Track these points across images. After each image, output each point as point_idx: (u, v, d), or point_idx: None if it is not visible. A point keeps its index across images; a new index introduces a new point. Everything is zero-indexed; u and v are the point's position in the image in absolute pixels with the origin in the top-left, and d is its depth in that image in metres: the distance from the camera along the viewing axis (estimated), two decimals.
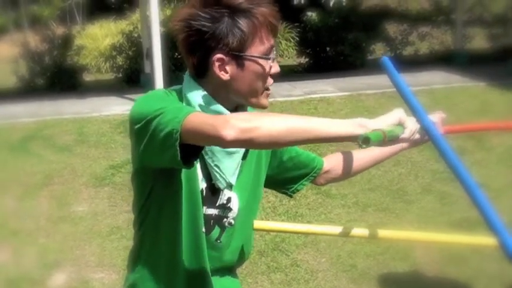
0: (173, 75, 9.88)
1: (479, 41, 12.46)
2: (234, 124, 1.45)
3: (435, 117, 1.80)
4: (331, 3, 10.66)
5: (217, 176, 1.75)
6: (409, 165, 6.04)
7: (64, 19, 14.41)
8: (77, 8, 15.23)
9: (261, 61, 1.67)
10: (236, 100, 1.71)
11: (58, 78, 10.57)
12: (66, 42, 11.14)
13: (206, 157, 1.72)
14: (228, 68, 1.67)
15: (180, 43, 1.70)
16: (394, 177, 5.89)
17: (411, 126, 1.59)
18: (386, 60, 1.72)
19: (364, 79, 9.55)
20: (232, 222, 1.82)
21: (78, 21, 14.92)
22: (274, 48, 1.70)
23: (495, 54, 11.41)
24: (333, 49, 11.44)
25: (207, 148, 1.71)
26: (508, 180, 5.63)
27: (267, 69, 1.68)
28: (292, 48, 12.21)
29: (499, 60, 10.62)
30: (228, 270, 1.92)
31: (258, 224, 1.84)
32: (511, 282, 3.70)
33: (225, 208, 1.80)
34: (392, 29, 12.61)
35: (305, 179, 2.03)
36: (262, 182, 1.93)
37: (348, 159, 2.06)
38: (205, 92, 1.70)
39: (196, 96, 1.71)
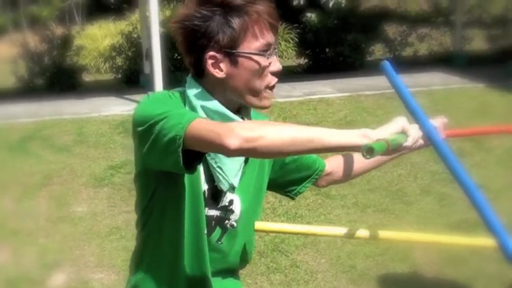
0: (173, 76, 9.88)
1: (478, 42, 12.47)
2: (238, 133, 1.44)
3: (437, 122, 1.80)
4: (331, 4, 10.65)
5: (220, 177, 1.74)
6: (408, 167, 6.04)
7: (63, 19, 14.41)
8: (76, 8, 15.23)
9: (255, 57, 1.65)
10: (235, 100, 1.71)
11: (57, 78, 10.57)
12: (66, 42, 11.14)
13: (209, 158, 1.71)
14: (222, 65, 1.67)
15: (179, 44, 1.72)
16: (394, 178, 5.89)
17: (414, 134, 1.59)
18: (386, 64, 1.72)
19: (364, 80, 9.56)
20: (234, 224, 1.82)
21: (77, 21, 14.93)
22: (273, 46, 1.69)
23: (494, 56, 11.42)
24: (332, 50, 11.44)
25: None
26: (507, 182, 5.64)
27: (263, 66, 1.67)
28: (292, 49, 12.22)
29: (498, 62, 10.63)
30: (230, 272, 1.92)
31: (258, 225, 1.84)
32: (509, 283, 3.70)
33: (227, 210, 1.80)
34: (391, 30, 12.62)
35: (307, 181, 2.03)
36: (265, 184, 1.93)
37: (349, 161, 2.06)
38: (206, 93, 1.70)
39: (198, 97, 1.71)
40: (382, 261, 4.47)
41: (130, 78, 10.98)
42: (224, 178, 1.75)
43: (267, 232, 1.93)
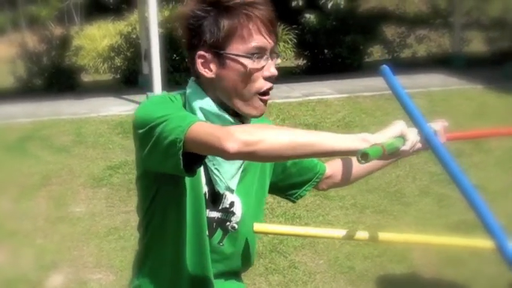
0: (171, 77, 9.90)
1: (476, 44, 12.50)
2: (238, 137, 1.45)
3: (437, 126, 1.79)
4: (329, 6, 10.65)
5: (217, 179, 1.75)
6: (407, 167, 6.05)
7: (62, 20, 14.42)
8: (75, 8, 15.24)
9: (241, 59, 1.64)
10: (226, 102, 1.70)
11: (56, 78, 10.58)
12: (64, 42, 11.15)
13: (206, 160, 1.72)
14: (211, 66, 1.67)
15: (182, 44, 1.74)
16: (392, 179, 5.90)
17: (412, 138, 1.59)
18: (385, 68, 1.72)
19: (362, 81, 9.57)
20: (236, 226, 1.82)
21: (76, 21, 14.94)
22: (267, 50, 1.67)
23: (492, 58, 11.45)
24: (330, 51, 11.46)
25: None
26: (506, 183, 5.65)
27: (250, 68, 1.65)
28: (290, 50, 12.24)
29: (496, 64, 10.65)
30: (233, 274, 1.91)
31: (257, 226, 1.84)
32: (508, 284, 3.71)
33: (228, 212, 1.81)
34: (390, 31, 12.65)
35: (308, 184, 2.03)
36: (267, 187, 1.93)
37: (349, 164, 2.06)
38: (203, 94, 1.71)
39: (196, 98, 1.72)
40: (380, 262, 4.47)
41: (129, 79, 10.99)
42: (221, 180, 1.75)
43: (267, 234, 1.94)
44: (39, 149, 7.01)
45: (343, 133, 1.53)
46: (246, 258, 1.91)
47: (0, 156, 6.82)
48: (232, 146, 1.44)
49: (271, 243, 4.70)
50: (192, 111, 1.70)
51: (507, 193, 5.35)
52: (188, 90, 1.74)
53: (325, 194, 5.47)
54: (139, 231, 1.86)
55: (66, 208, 5.56)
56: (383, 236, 1.92)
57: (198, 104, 1.71)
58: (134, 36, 11.31)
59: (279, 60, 1.73)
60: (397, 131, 1.56)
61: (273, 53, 1.69)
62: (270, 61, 1.68)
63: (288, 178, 2.00)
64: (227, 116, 1.69)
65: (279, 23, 1.76)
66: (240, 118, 1.72)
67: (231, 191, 1.79)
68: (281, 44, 12.58)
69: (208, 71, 1.68)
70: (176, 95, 1.75)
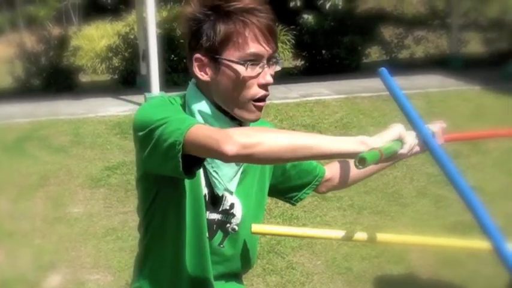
0: (169, 77, 9.90)
1: (474, 45, 12.51)
2: (236, 139, 1.45)
3: (435, 127, 1.79)
4: (327, 6, 10.66)
5: (216, 182, 1.76)
6: (404, 169, 6.06)
7: (60, 20, 14.41)
8: (73, 8, 15.23)
9: (234, 66, 1.65)
10: (222, 106, 1.71)
11: (54, 79, 10.58)
12: (62, 43, 11.15)
13: (205, 163, 1.72)
14: (207, 69, 1.68)
15: None
16: (390, 180, 5.90)
17: (410, 141, 1.60)
18: (384, 71, 1.72)
19: (360, 82, 9.58)
20: (236, 228, 1.83)
21: (74, 22, 14.93)
22: (265, 57, 1.67)
23: (490, 59, 11.46)
24: (328, 52, 11.47)
25: None
26: (503, 184, 5.66)
27: (243, 76, 1.65)
28: (288, 51, 12.24)
29: (493, 65, 10.66)
30: (233, 276, 1.92)
31: (255, 227, 1.84)
32: (504, 285, 3.71)
33: (228, 214, 1.81)
34: (388, 32, 12.66)
35: (308, 187, 2.04)
36: (266, 190, 1.94)
37: (348, 167, 2.07)
38: (201, 96, 1.72)
39: (194, 100, 1.73)
40: (378, 263, 4.48)
41: (127, 79, 10.99)
42: (220, 183, 1.76)
43: (264, 234, 1.93)
44: (37, 149, 7.01)
45: (341, 134, 1.54)
46: (247, 260, 1.91)
47: None
48: (230, 148, 1.45)
49: (268, 244, 4.70)
50: (192, 114, 1.71)
51: (504, 194, 5.35)
52: (188, 93, 1.75)
53: (322, 195, 5.44)
54: (139, 232, 1.87)
55: (64, 208, 5.56)
56: (380, 237, 1.93)
57: (197, 106, 1.71)
58: (132, 36, 11.31)
59: (278, 67, 1.72)
60: (396, 134, 1.57)
61: (271, 60, 1.69)
62: (266, 69, 1.67)
63: (288, 181, 2.01)
64: (225, 119, 1.70)
65: (276, 24, 1.76)
66: (238, 121, 1.72)
67: (230, 192, 1.79)
68: (279, 44, 12.55)
69: (204, 75, 1.69)
70: (175, 97, 1.76)
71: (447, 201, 5.28)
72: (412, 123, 1.68)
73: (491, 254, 1.54)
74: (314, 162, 2.02)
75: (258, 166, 1.86)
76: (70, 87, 10.63)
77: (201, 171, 1.74)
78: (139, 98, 8.95)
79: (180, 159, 1.52)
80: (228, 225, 1.82)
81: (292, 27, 11.73)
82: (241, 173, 1.80)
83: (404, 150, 1.59)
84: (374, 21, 12.10)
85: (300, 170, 2.00)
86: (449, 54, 12.06)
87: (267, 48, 1.66)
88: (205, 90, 1.72)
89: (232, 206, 1.82)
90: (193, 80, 1.75)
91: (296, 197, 2.06)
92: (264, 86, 1.69)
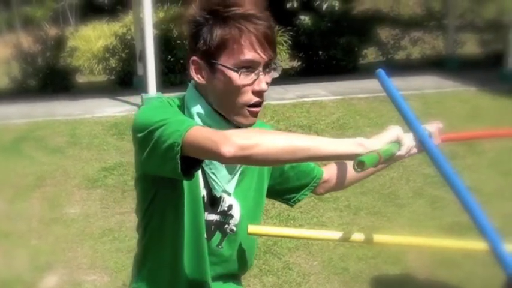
0: (166, 78, 9.90)
1: (470, 46, 12.54)
2: (234, 141, 1.46)
3: (432, 127, 1.80)
4: (324, 8, 10.68)
5: (214, 183, 1.77)
6: (400, 169, 6.07)
7: (57, 20, 14.40)
8: (69, 9, 15.22)
9: (227, 72, 1.65)
10: (217, 109, 1.71)
11: (50, 79, 10.57)
12: (59, 43, 11.14)
13: (203, 164, 1.73)
14: (203, 73, 1.69)
15: None
16: (386, 181, 5.91)
17: (408, 143, 1.60)
18: (381, 72, 1.72)
19: (356, 83, 9.59)
20: (234, 229, 1.83)
21: (71, 22, 14.92)
22: (259, 65, 1.66)
23: (486, 60, 11.49)
24: (325, 53, 11.48)
25: None
26: (499, 185, 5.67)
27: (236, 82, 1.65)
28: (285, 52, 12.25)
29: (490, 66, 10.70)
30: (231, 277, 1.93)
31: (252, 228, 1.84)
32: (500, 286, 3.73)
33: (227, 215, 1.82)
34: (384, 33, 12.68)
35: (306, 189, 2.04)
36: (265, 191, 1.94)
37: (345, 168, 2.07)
38: (199, 97, 1.73)
39: (192, 102, 1.74)
40: (374, 264, 4.48)
41: (124, 80, 10.99)
42: (218, 184, 1.77)
43: (261, 236, 1.93)
44: (34, 149, 7.00)
45: (337, 135, 1.55)
46: (245, 261, 1.92)
47: None
48: (228, 150, 1.45)
49: (265, 244, 4.71)
50: (191, 116, 1.71)
51: (500, 195, 5.36)
52: (187, 95, 1.76)
53: (319, 196, 5.47)
54: (138, 232, 1.87)
55: (60, 209, 5.55)
56: (377, 237, 1.93)
57: (195, 109, 1.72)
58: (129, 37, 11.31)
59: (276, 74, 1.72)
60: (393, 136, 1.57)
61: (268, 68, 1.68)
62: (262, 76, 1.67)
63: (286, 182, 2.01)
64: (223, 122, 1.70)
65: (273, 31, 1.75)
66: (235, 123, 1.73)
67: (228, 194, 1.80)
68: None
69: (201, 78, 1.70)
70: (174, 99, 1.76)
71: (444, 202, 5.29)
72: (408, 124, 1.69)
73: (487, 255, 1.55)
74: (312, 164, 2.03)
75: (256, 168, 1.86)
76: (67, 87, 10.63)
77: (200, 172, 1.74)
78: (136, 99, 8.95)
79: (179, 161, 1.53)
80: (226, 226, 1.83)
81: (289, 28, 11.74)
82: (240, 174, 1.81)
83: (402, 152, 1.59)
84: (370, 22, 12.12)
85: (298, 171, 2.00)
86: (445, 55, 12.09)
87: (263, 55, 1.66)
88: (203, 92, 1.72)
89: (230, 207, 1.82)
90: (192, 81, 1.76)
91: (294, 198, 2.07)
92: (258, 93, 1.68)
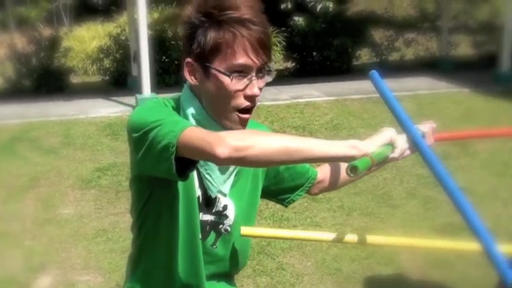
0: (160, 79, 9.90)
1: (464, 47, 12.58)
2: (228, 142, 1.47)
3: (425, 127, 1.82)
4: (318, 9, 10.70)
5: (209, 184, 1.78)
6: (394, 170, 6.08)
7: (51, 21, 14.38)
8: (64, 10, 15.19)
9: (219, 75, 1.65)
10: (208, 111, 1.72)
11: (45, 80, 10.56)
12: (53, 44, 11.13)
13: (198, 165, 1.74)
14: (197, 74, 1.70)
15: None
16: (379, 181, 5.92)
17: (401, 146, 1.62)
18: (374, 73, 1.73)
19: (350, 84, 9.62)
20: (229, 229, 1.84)
21: (65, 23, 14.90)
22: (252, 70, 1.66)
23: (480, 61, 11.53)
24: (319, 54, 11.50)
25: None
26: (491, 186, 5.69)
27: (227, 86, 1.65)
28: (279, 53, 12.26)
29: (483, 67, 10.73)
30: (225, 276, 1.94)
31: (245, 230, 1.84)
32: (493, 286, 3.74)
33: (221, 215, 1.83)
34: (378, 34, 12.70)
35: (300, 189, 2.05)
36: (259, 191, 1.95)
37: (339, 169, 2.08)
38: (193, 98, 1.73)
39: (187, 103, 1.74)
40: (367, 264, 4.49)
41: (118, 80, 10.98)
42: (213, 185, 1.78)
43: (255, 237, 1.93)
44: (28, 150, 6.99)
45: (331, 135, 1.56)
46: (238, 261, 1.93)
47: None
48: (222, 151, 1.46)
49: (259, 245, 4.71)
50: (185, 117, 1.72)
51: (493, 195, 5.39)
52: (182, 95, 1.77)
53: (313, 197, 5.48)
54: (132, 233, 1.88)
55: (54, 210, 5.55)
56: (370, 238, 1.94)
57: (190, 110, 1.73)
58: (123, 37, 11.30)
59: (270, 79, 1.72)
60: (387, 138, 1.58)
61: (261, 72, 1.69)
62: (254, 81, 1.67)
63: (281, 183, 2.01)
64: (217, 123, 1.71)
65: (268, 35, 1.76)
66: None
67: (224, 195, 1.81)
68: None
69: (194, 79, 1.71)
70: (169, 100, 1.77)
71: (436, 202, 5.30)
72: (402, 124, 1.69)
73: (480, 255, 1.56)
74: (307, 165, 2.03)
75: (251, 168, 1.87)
76: (61, 88, 10.62)
77: (195, 173, 1.75)
78: (130, 100, 8.95)
79: (174, 162, 1.53)
80: (221, 226, 1.84)
81: (283, 29, 11.75)
82: (235, 175, 1.82)
83: (395, 154, 1.61)
84: (364, 23, 12.14)
85: (293, 172, 2.01)
86: (439, 56, 12.13)
87: (256, 60, 1.65)
88: (198, 93, 1.73)
89: (225, 207, 1.83)
90: (188, 82, 1.76)
91: (289, 199, 2.07)
92: (250, 98, 1.69)
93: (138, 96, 8.69)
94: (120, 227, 5.05)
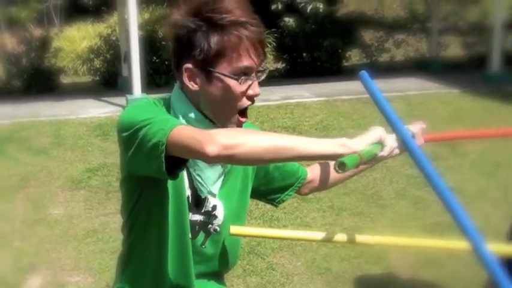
0: (151, 79, 9.88)
1: (454, 48, 12.63)
2: (218, 140, 1.47)
3: (415, 128, 1.83)
4: (308, 10, 10.72)
5: (199, 185, 1.78)
6: (384, 170, 6.10)
7: (42, 21, 14.32)
8: (54, 10, 15.14)
9: (226, 80, 1.66)
10: (207, 113, 1.72)
11: (35, 80, 10.53)
12: (44, 44, 11.10)
13: (188, 166, 1.74)
14: (197, 79, 1.69)
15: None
16: (369, 181, 5.94)
17: (390, 144, 1.62)
18: (364, 74, 1.74)
19: (340, 85, 9.64)
20: (218, 229, 1.85)
21: (55, 23, 14.84)
22: (255, 70, 1.69)
23: (469, 62, 11.58)
24: (309, 55, 11.51)
25: None
26: (481, 186, 5.72)
27: (234, 90, 1.67)
28: (269, 54, 12.26)
29: (473, 68, 10.79)
30: (214, 275, 1.94)
31: (234, 229, 1.84)
32: (483, 285, 3.76)
33: (210, 215, 1.83)
34: (368, 35, 12.73)
35: (290, 189, 2.05)
36: (249, 191, 1.96)
37: (328, 169, 2.08)
38: (186, 100, 1.73)
39: (179, 104, 1.74)
40: (357, 264, 4.51)
41: (109, 81, 10.96)
42: (203, 186, 1.78)
43: (244, 236, 1.94)
44: (18, 150, 6.97)
45: (321, 136, 1.56)
46: (228, 260, 1.93)
47: None
48: (212, 149, 1.46)
49: (249, 245, 4.72)
50: (176, 117, 1.72)
51: (482, 195, 5.41)
52: (173, 97, 1.76)
53: (302, 197, 5.48)
54: (123, 233, 1.88)
55: (44, 210, 5.54)
56: (360, 238, 1.95)
57: (181, 110, 1.73)
58: (114, 38, 11.27)
59: (263, 77, 1.74)
60: (376, 137, 1.59)
61: (259, 72, 1.71)
62: (255, 81, 1.70)
63: (271, 182, 2.02)
64: (209, 123, 1.71)
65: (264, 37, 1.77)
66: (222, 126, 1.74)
67: (213, 195, 1.81)
68: None
69: (194, 84, 1.70)
70: (160, 100, 1.77)
71: (426, 202, 5.32)
72: (391, 125, 1.70)
73: (470, 254, 1.57)
74: (297, 164, 2.04)
75: (240, 168, 1.88)
76: (51, 88, 10.59)
77: (185, 172, 1.76)
78: (120, 100, 8.94)
79: (163, 160, 1.53)
80: (210, 226, 1.84)
81: (273, 30, 11.75)
82: (225, 175, 1.83)
83: (384, 152, 1.61)
84: (354, 24, 12.17)
85: (283, 171, 2.01)
86: (429, 57, 12.17)
87: (257, 61, 1.68)
88: (190, 95, 1.73)
89: (214, 207, 1.83)
90: (178, 83, 1.77)
91: (279, 199, 2.08)
92: (251, 97, 1.71)
93: (129, 96, 8.68)
94: (110, 228, 5.04)
